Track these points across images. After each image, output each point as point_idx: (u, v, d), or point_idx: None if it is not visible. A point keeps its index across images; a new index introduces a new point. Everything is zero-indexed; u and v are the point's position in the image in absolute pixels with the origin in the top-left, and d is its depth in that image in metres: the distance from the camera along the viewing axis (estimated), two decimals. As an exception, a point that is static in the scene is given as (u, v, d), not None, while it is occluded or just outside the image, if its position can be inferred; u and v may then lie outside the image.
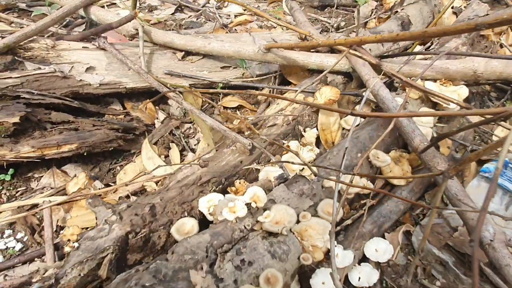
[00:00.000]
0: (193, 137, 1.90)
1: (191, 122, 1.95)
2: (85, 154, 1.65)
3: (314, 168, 1.22)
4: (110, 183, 1.66)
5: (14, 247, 1.44)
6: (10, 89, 1.60)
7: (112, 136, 1.65)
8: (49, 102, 1.65)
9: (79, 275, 0.99)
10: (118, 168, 1.77)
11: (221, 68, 1.96)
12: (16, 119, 1.50)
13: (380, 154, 1.37)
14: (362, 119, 1.64)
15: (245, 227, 1.06)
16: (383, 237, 1.30)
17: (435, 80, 1.63)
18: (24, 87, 1.64)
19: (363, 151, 1.40)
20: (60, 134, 1.60)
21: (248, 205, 1.10)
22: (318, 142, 1.63)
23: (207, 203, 1.15)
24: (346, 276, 1.17)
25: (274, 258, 1.00)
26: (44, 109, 1.65)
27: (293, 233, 1.08)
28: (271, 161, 1.28)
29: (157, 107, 2.00)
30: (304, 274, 1.14)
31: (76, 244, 1.02)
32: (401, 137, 1.53)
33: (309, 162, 1.33)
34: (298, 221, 1.14)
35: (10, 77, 1.62)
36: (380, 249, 1.22)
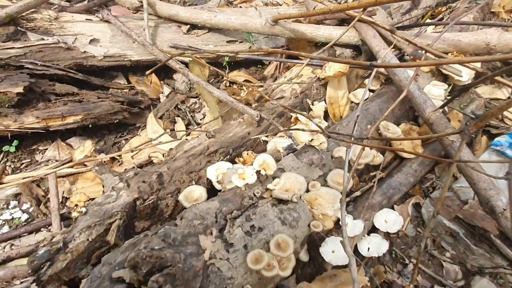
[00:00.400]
0: (199, 111, 1.87)
1: (196, 97, 1.92)
2: (90, 126, 1.63)
3: (320, 139, 1.20)
4: (116, 156, 1.65)
5: (20, 218, 1.43)
6: (13, 59, 1.57)
7: (117, 108, 1.62)
8: (53, 73, 1.62)
9: (87, 239, 0.98)
10: (123, 141, 1.75)
11: (227, 42, 1.93)
12: (19, 89, 1.48)
13: (390, 126, 1.35)
14: (371, 93, 1.61)
15: (254, 194, 1.05)
16: (393, 208, 1.28)
17: (446, 54, 1.60)
18: (27, 58, 1.61)
19: (373, 123, 1.37)
20: (64, 105, 1.58)
21: (257, 172, 1.08)
22: (326, 116, 1.61)
23: (216, 171, 1.13)
24: (355, 247, 1.16)
25: (284, 225, 0.99)
26: (48, 81, 1.63)
27: (303, 201, 1.06)
28: (280, 130, 1.25)
29: (162, 82, 1.97)
30: (313, 243, 1.13)
31: (83, 209, 1.01)
32: (411, 110, 1.51)
33: (316, 134, 1.31)
34: (307, 190, 1.13)
35: (13, 47, 1.59)
36: (390, 220, 1.20)
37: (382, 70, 1.52)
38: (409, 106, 1.50)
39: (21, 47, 1.61)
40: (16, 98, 1.49)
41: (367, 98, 1.54)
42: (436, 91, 1.47)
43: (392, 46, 1.47)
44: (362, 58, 1.80)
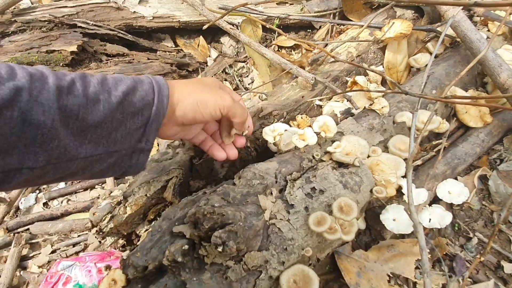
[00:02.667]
0: (247, 76, 1.83)
1: (244, 61, 1.88)
2: (140, 87, 1.62)
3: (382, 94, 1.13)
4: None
5: (74, 175, 1.46)
6: (66, 18, 1.57)
7: (167, 69, 1.61)
8: (104, 33, 1.62)
9: (145, 195, 0.98)
10: (171, 104, 1.74)
11: (277, 4, 1.85)
12: (73, 48, 1.49)
13: (458, 92, 1.25)
14: (434, 58, 1.50)
15: (313, 157, 1.00)
16: (456, 179, 1.20)
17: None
18: (79, 17, 1.61)
19: (438, 88, 1.28)
20: (115, 65, 1.58)
21: (317, 134, 1.03)
22: (383, 82, 1.52)
23: (272, 132, 1.09)
24: (415, 217, 1.10)
25: (346, 189, 0.94)
26: (100, 41, 1.63)
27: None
28: (338, 92, 1.19)
29: (209, 45, 1.93)
30: (371, 210, 1.08)
31: (141, 165, 1.01)
32: (479, 76, 1.39)
33: (376, 98, 1.24)
34: (368, 156, 1.07)
35: (66, 6, 1.59)
36: (454, 191, 1.13)
37: (448, 32, 1.40)
38: (477, 72, 1.39)
39: (73, 6, 1.61)
40: (70, 57, 1.51)
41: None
42: (509, 56, 1.34)
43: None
44: (423, 20, 1.67)
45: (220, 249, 0.76)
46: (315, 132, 1.04)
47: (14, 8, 1.65)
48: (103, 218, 0.92)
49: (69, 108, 0.59)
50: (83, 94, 0.62)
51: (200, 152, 1.08)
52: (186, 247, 0.79)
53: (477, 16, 1.44)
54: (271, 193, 0.90)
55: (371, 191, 0.99)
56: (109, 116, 0.65)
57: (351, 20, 1.85)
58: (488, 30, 1.46)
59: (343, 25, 1.70)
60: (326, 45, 1.80)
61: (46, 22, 1.60)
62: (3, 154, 0.54)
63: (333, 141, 1.05)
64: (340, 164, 1.01)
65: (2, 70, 0.55)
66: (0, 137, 0.53)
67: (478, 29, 1.48)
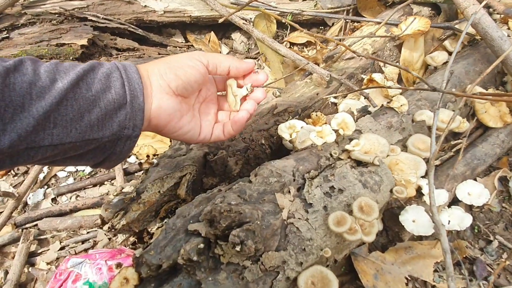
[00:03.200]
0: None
1: (255, 58, 1.85)
2: (150, 82, 1.60)
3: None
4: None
5: (83, 170, 1.44)
6: (77, 11, 1.55)
7: (178, 64, 1.58)
8: (114, 27, 1.59)
9: (159, 192, 0.95)
10: (181, 101, 1.71)
11: (289, 0, 1.82)
12: (84, 41, 1.47)
13: (479, 90, 1.21)
14: (449, 56, 1.46)
15: (331, 155, 0.97)
16: (475, 180, 1.17)
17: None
18: (89, 10, 1.59)
19: (457, 86, 1.24)
20: (126, 60, 1.56)
21: (335, 131, 1.00)
22: (399, 80, 1.49)
23: (288, 129, 1.06)
24: (434, 218, 1.07)
25: (366, 188, 0.91)
26: (110, 35, 1.60)
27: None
28: (355, 90, 1.16)
29: (220, 41, 1.91)
30: (389, 210, 1.05)
31: (155, 161, 0.98)
32: (499, 75, 1.36)
33: (393, 96, 1.20)
34: (387, 155, 1.04)
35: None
36: (474, 192, 1.10)
37: (468, 30, 1.37)
38: (497, 71, 1.35)
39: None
40: (80, 50, 1.48)
41: (446, 62, 1.40)
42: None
43: (484, 2, 1.31)
44: (439, 18, 1.64)
45: (238, 248, 0.73)
46: (333, 129, 1.01)
47: (24, 1, 1.63)
48: (116, 214, 0.89)
49: (18, 85, 0.55)
50: (34, 73, 0.58)
51: (215, 149, 1.05)
52: (202, 245, 0.76)
53: (497, 13, 1.41)
54: (289, 192, 0.87)
55: (391, 191, 0.96)
56: (71, 92, 0.60)
57: (365, 17, 1.82)
58: (508, 28, 1.42)
59: (358, 22, 1.66)
60: (342, 40, 1.76)
61: (57, 15, 1.59)
62: None
63: (350, 139, 1.02)
64: (359, 163, 0.98)
65: None
66: None
67: (499, 27, 1.45)
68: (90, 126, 0.62)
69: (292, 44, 1.86)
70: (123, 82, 0.67)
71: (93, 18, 1.56)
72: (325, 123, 1.20)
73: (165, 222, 0.98)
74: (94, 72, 0.65)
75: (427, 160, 0.99)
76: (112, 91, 0.65)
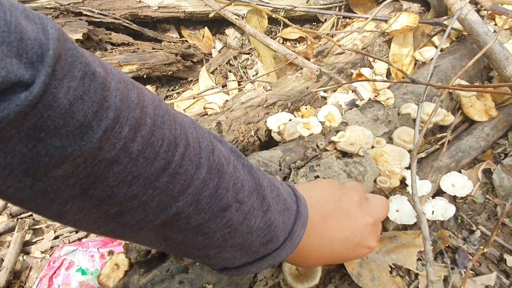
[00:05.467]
0: (251, 68, 1.83)
1: (249, 53, 1.87)
2: (144, 77, 1.62)
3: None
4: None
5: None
6: (72, 6, 1.57)
7: (172, 59, 1.61)
8: (109, 22, 1.62)
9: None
10: (175, 95, 1.74)
11: (282, -4, 1.84)
12: (79, 36, 1.49)
13: (464, 84, 1.24)
14: (439, 52, 1.49)
15: (317, 146, 1.00)
16: (460, 172, 1.20)
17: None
18: (85, 5, 1.61)
19: (444, 81, 1.27)
20: (120, 54, 1.58)
21: (321, 123, 1.03)
22: (388, 75, 1.51)
23: (276, 121, 1.09)
24: (419, 209, 1.10)
25: (350, 178, 0.94)
26: (105, 30, 1.63)
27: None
28: (343, 83, 1.18)
29: (214, 37, 1.93)
30: (375, 201, 1.08)
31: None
32: (485, 70, 1.39)
33: (382, 89, 1.23)
34: (372, 147, 1.07)
35: (72, -6, 1.59)
36: (458, 183, 1.13)
37: (454, 25, 1.39)
38: (483, 66, 1.38)
39: (79, -6, 1.61)
40: (75, 45, 1.50)
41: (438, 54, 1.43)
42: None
43: (470, -2, 1.34)
44: (429, 14, 1.66)
45: (223, 233, 0.76)
46: (319, 121, 1.03)
47: (20, -5, 1.65)
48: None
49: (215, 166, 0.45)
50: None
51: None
52: (189, 231, 0.79)
53: (484, 9, 1.43)
54: (275, 181, 0.90)
55: (375, 181, 0.99)
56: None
57: (357, 14, 1.84)
58: (495, 24, 1.45)
59: (349, 18, 1.69)
60: (332, 36, 1.79)
61: (52, 10, 1.61)
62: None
63: (337, 131, 1.05)
64: (344, 154, 1.01)
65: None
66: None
67: (485, 23, 1.47)
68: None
69: (285, 40, 1.89)
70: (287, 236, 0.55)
71: (88, 13, 1.58)
72: (314, 115, 1.22)
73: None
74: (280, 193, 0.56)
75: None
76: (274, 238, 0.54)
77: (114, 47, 1.63)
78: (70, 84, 0.30)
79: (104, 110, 0.32)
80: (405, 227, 1.13)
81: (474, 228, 1.12)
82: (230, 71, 1.78)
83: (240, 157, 0.52)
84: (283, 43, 1.90)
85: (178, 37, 1.91)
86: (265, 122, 1.17)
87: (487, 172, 1.23)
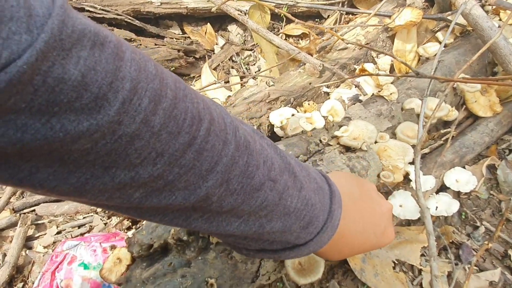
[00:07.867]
0: (254, 64, 1.82)
1: (251, 50, 1.87)
2: (146, 73, 1.62)
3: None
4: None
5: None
6: (74, 2, 1.57)
7: (174, 55, 1.60)
8: (112, 18, 1.61)
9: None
10: (178, 91, 1.73)
11: (285, -8, 1.83)
12: (81, 32, 1.48)
13: (468, 77, 1.23)
14: (443, 47, 1.48)
15: (320, 141, 1.00)
16: (464, 168, 1.19)
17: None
18: (87, 1, 1.61)
19: (448, 76, 1.26)
20: (123, 50, 1.57)
21: (324, 118, 1.02)
22: (391, 70, 1.50)
23: (279, 116, 1.08)
24: (422, 204, 1.09)
25: (353, 173, 0.93)
26: (107, 25, 1.62)
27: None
28: (346, 78, 1.18)
29: (216, 33, 1.93)
30: (378, 196, 1.07)
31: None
32: (489, 65, 1.38)
33: (385, 84, 1.22)
34: (375, 142, 1.06)
35: (74, -10, 1.59)
36: (462, 179, 1.12)
37: (459, 21, 1.38)
38: (487, 61, 1.37)
39: (81, -10, 1.60)
40: (77, 40, 1.50)
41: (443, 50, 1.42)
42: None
43: (474, -8, 1.33)
44: (433, 10, 1.65)
45: (225, 227, 0.76)
46: (322, 116, 1.03)
47: (22, -8, 1.65)
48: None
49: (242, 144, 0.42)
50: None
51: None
52: (192, 225, 0.79)
53: (489, 4, 1.42)
54: (278, 175, 0.90)
55: (378, 176, 0.98)
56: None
57: (360, 9, 1.83)
58: (500, 20, 1.44)
59: (352, 13, 1.68)
60: (336, 31, 1.78)
61: (54, 6, 1.60)
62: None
63: (340, 126, 1.05)
64: (348, 149, 1.00)
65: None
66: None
67: (490, 18, 1.46)
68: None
69: (288, 36, 1.88)
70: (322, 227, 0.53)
71: (91, 9, 1.58)
72: (317, 110, 1.22)
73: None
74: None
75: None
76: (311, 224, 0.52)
77: (117, 43, 1.62)
78: (79, 54, 0.28)
79: (120, 80, 0.30)
80: (408, 223, 1.12)
81: (478, 223, 1.11)
82: (232, 68, 1.78)
83: (263, 137, 0.49)
84: (285, 39, 1.89)
85: (181, 33, 1.91)
86: (268, 117, 1.16)
87: (492, 168, 1.22)
